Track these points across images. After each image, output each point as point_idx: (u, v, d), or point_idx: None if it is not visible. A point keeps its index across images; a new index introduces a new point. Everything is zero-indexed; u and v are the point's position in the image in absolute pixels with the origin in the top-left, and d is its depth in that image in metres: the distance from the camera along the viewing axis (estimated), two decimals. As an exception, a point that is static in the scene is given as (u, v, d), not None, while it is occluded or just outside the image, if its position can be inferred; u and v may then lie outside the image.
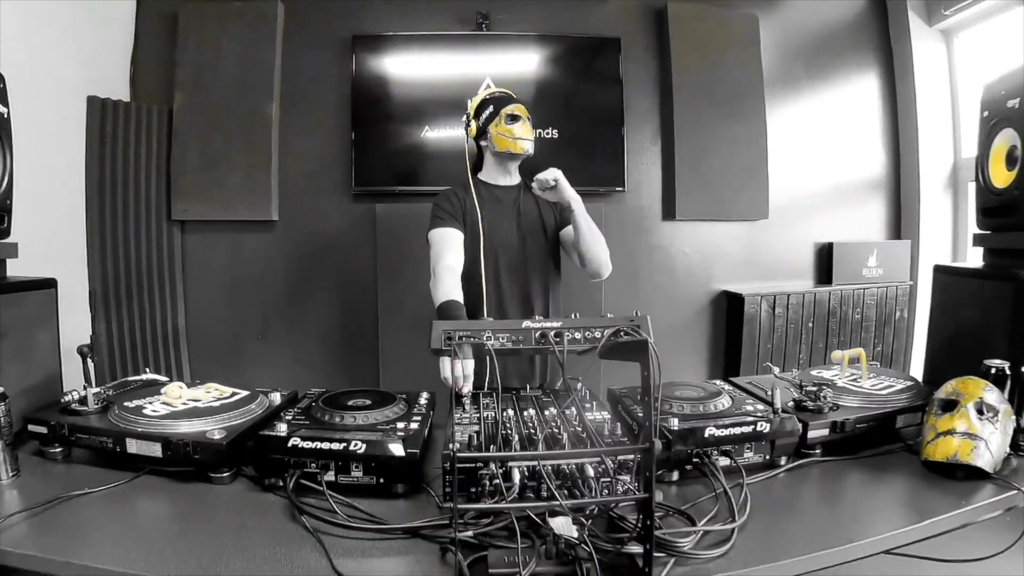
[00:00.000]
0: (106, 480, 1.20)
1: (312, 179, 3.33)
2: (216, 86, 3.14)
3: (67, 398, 1.33)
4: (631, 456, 1.00)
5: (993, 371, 1.39)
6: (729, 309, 3.54)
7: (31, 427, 1.30)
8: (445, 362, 1.55)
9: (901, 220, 3.81)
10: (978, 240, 1.81)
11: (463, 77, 3.24)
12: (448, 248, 1.98)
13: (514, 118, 2.07)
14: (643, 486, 0.84)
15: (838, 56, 3.72)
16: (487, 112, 2.07)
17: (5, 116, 1.42)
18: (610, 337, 0.89)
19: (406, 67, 3.27)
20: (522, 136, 2.07)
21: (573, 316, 0.98)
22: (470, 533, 0.90)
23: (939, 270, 1.85)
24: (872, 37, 3.77)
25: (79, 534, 1.02)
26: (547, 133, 3.28)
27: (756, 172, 3.46)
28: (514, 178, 2.18)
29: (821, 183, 3.72)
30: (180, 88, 3.15)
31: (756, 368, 3.36)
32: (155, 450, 1.19)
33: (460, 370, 1.47)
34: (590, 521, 0.93)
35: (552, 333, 0.91)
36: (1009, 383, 1.39)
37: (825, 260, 3.68)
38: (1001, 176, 1.69)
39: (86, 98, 2.91)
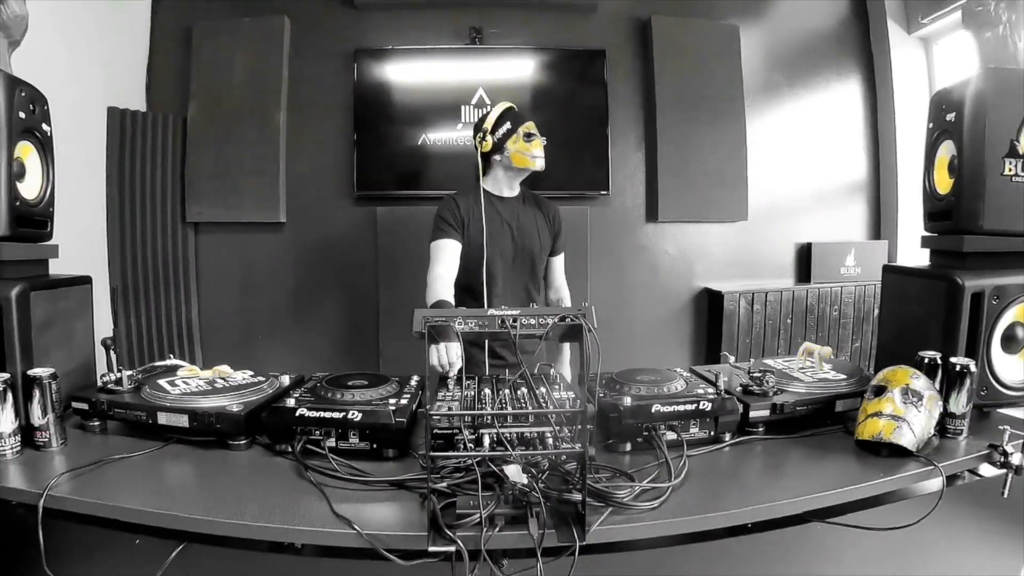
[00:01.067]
0: (140, 448, 1.40)
1: (317, 184, 3.53)
2: (228, 96, 3.35)
3: (105, 379, 1.54)
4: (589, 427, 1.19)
5: (926, 361, 1.51)
6: (710, 306, 3.72)
7: (74, 404, 1.51)
8: (432, 350, 1.71)
9: (880, 221, 3.96)
10: (925, 242, 1.89)
11: (458, 86, 3.44)
12: (441, 259, 2.11)
13: (531, 136, 2.18)
14: (580, 443, 1.03)
15: (819, 63, 3.87)
16: (504, 128, 2.16)
17: (48, 135, 1.62)
18: (556, 323, 1.08)
19: (404, 78, 3.48)
20: (538, 154, 2.20)
21: (531, 306, 1.17)
22: (444, 484, 1.09)
23: (888, 269, 1.93)
24: (853, 44, 3.91)
25: (121, 488, 1.22)
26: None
27: (736, 176, 3.64)
28: (515, 190, 2.30)
29: (802, 185, 3.87)
30: (194, 98, 3.36)
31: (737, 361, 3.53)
32: (182, 421, 1.40)
33: (446, 356, 1.66)
34: (544, 475, 1.12)
35: (511, 319, 1.10)
36: (940, 373, 1.50)
37: (804, 259, 3.84)
38: (944, 183, 1.77)
39: (106, 109, 3.10)
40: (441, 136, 3.45)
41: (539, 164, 2.21)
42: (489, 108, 2.32)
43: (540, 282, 2.36)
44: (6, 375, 1.36)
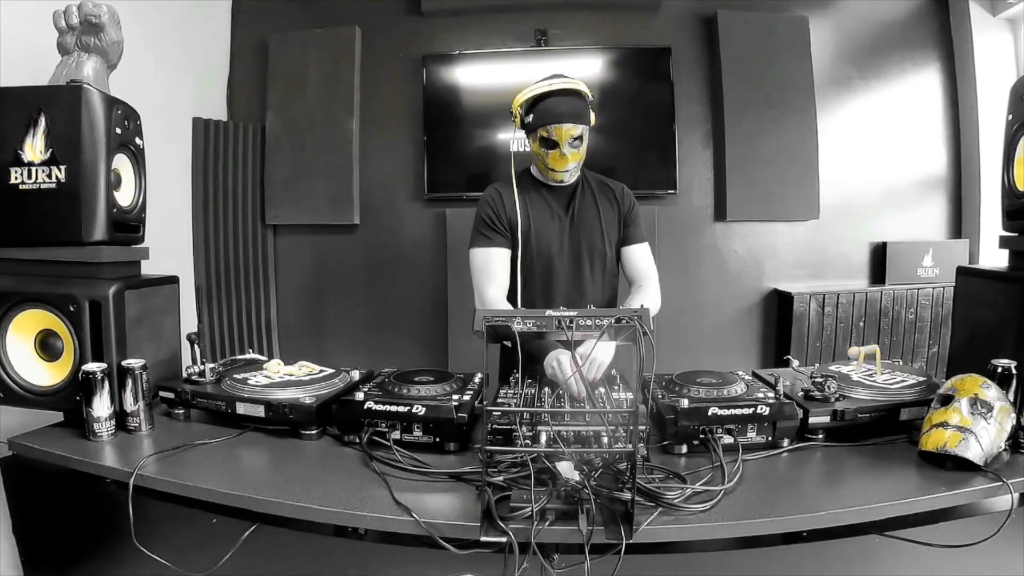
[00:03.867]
0: (219, 435, 1.51)
1: (389, 187, 3.64)
2: (302, 104, 3.49)
3: (189, 371, 1.67)
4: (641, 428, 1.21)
5: (999, 370, 1.44)
6: (779, 307, 3.62)
7: (161, 393, 1.65)
8: (559, 362, 1.61)
9: (961, 219, 3.76)
10: (1004, 242, 1.80)
11: (524, 87, 3.46)
12: (490, 278, 1.85)
13: (550, 144, 1.81)
14: (631, 442, 1.06)
15: (893, 52, 3.69)
16: (529, 119, 1.82)
17: (141, 147, 1.76)
18: (611, 324, 1.11)
19: (472, 81, 3.54)
20: (555, 168, 1.84)
21: (588, 307, 1.20)
22: (500, 478, 1.13)
23: (961, 271, 1.87)
24: (930, 31, 3.70)
25: (202, 470, 1.33)
26: (602, 140, 3.45)
27: (807, 173, 3.52)
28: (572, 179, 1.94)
29: (877, 182, 3.71)
30: (271, 108, 3.53)
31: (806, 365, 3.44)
32: (259, 411, 1.51)
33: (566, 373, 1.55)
34: (597, 473, 1.15)
35: (567, 320, 1.14)
36: (1014, 383, 1.42)
37: (879, 260, 3.69)
38: None
39: (192, 119, 3.29)
40: (509, 137, 3.48)
41: (558, 178, 1.87)
42: (546, 78, 1.85)
43: (609, 283, 2.04)
44: (103, 365, 1.50)
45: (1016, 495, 1.24)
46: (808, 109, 3.52)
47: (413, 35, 3.59)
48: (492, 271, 1.85)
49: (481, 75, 3.54)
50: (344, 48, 3.50)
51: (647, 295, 1.97)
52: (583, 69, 3.51)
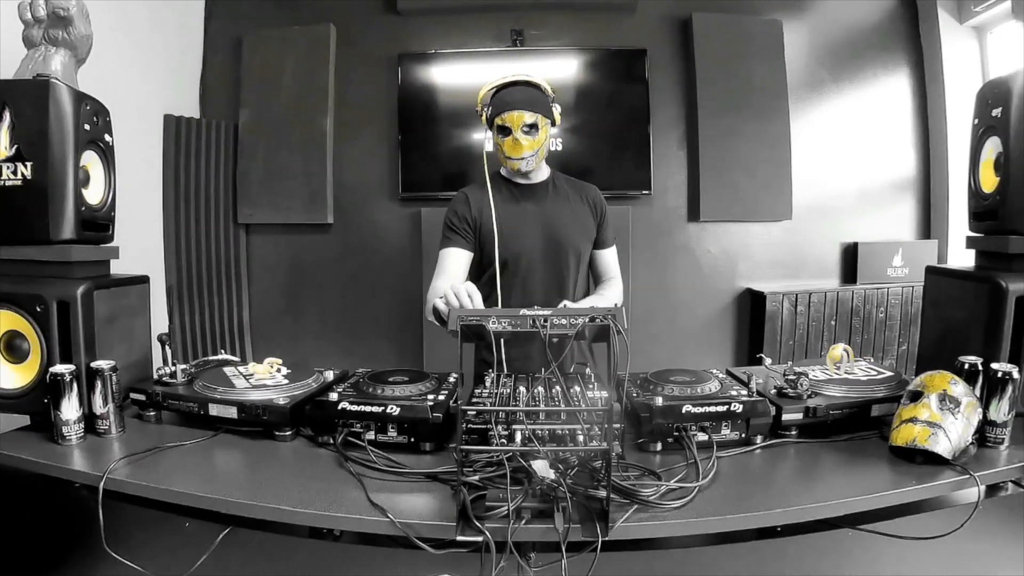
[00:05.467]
0: (192, 436, 1.48)
1: (364, 186, 3.64)
2: (276, 102, 3.48)
3: (160, 372, 1.64)
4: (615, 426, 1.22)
5: (966, 367, 1.47)
6: (753, 306, 3.68)
7: (132, 395, 1.62)
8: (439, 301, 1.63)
9: (930, 220, 3.86)
10: (970, 243, 1.84)
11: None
12: (441, 272, 1.91)
13: (504, 131, 1.87)
14: (606, 440, 1.06)
15: (865, 56, 3.79)
16: (487, 112, 1.90)
17: (110, 144, 1.73)
18: (585, 323, 1.11)
19: (448, 81, 3.54)
20: (510, 155, 1.89)
21: (562, 306, 1.21)
22: (476, 477, 1.13)
23: (930, 271, 1.90)
24: (901, 36, 3.81)
25: (173, 473, 1.31)
26: (577, 140, 3.49)
27: (780, 174, 3.60)
28: (541, 174, 2.01)
29: (849, 184, 3.80)
30: (245, 106, 3.50)
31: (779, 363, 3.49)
32: (231, 413, 1.48)
33: (465, 299, 1.52)
34: (572, 471, 1.15)
35: (542, 319, 1.14)
36: (981, 379, 1.46)
37: (850, 260, 3.77)
38: (989, 181, 1.72)
39: (163, 116, 3.25)
40: (483, 137, 3.47)
41: (515, 165, 1.91)
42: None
43: (582, 281, 2.06)
44: (72, 367, 1.46)
45: (983, 488, 1.27)
46: (781, 111, 3.59)
47: (389, 34, 3.58)
48: (444, 268, 1.92)
49: (457, 75, 3.55)
50: (319, 46, 3.49)
51: (614, 289, 2.05)
52: (559, 70, 3.54)
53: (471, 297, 1.53)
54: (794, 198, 3.62)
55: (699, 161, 3.57)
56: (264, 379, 1.63)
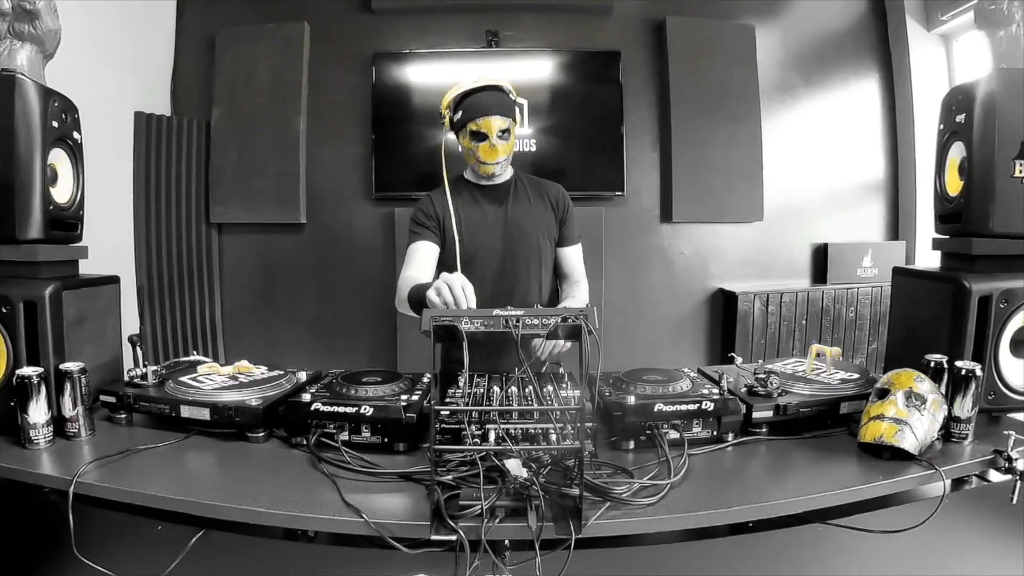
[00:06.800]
0: (163, 439, 1.47)
1: (337, 185, 3.61)
2: (249, 100, 3.44)
3: (131, 374, 1.62)
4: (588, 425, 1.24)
5: (932, 365, 1.50)
6: (725, 306, 3.73)
7: (102, 397, 1.59)
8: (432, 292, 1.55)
9: (898, 222, 3.94)
10: (936, 244, 1.87)
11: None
12: (411, 263, 1.92)
13: (479, 136, 1.88)
14: (578, 439, 1.07)
15: (836, 62, 3.86)
16: (457, 116, 1.89)
17: (79, 142, 1.70)
18: (558, 323, 1.12)
19: (422, 81, 3.53)
20: (485, 160, 1.90)
21: (535, 307, 1.22)
22: (450, 477, 1.14)
23: (897, 272, 1.91)
24: (870, 43, 3.89)
25: (146, 476, 1.29)
26: (551, 141, 3.50)
27: (751, 176, 3.65)
28: (505, 174, 2.03)
29: (819, 186, 3.87)
30: (217, 103, 3.46)
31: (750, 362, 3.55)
32: (204, 414, 1.47)
33: (455, 293, 1.48)
34: (546, 470, 1.16)
35: (514, 320, 1.15)
36: (946, 376, 1.49)
37: (821, 260, 3.84)
38: (954, 185, 1.75)
39: (133, 113, 3.20)
40: (452, 134, 3.47)
41: (487, 171, 1.93)
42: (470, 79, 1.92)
43: (546, 279, 2.07)
44: (39, 369, 1.43)
45: (948, 482, 1.31)
46: (753, 114, 3.64)
47: (363, 33, 3.57)
48: (413, 261, 1.94)
49: (431, 74, 3.54)
50: (293, 44, 3.46)
51: (582, 290, 2.05)
52: (533, 71, 3.55)
53: (464, 290, 1.50)
54: (765, 200, 3.68)
55: (672, 163, 3.60)
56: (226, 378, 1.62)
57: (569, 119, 3.53)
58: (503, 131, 1.89)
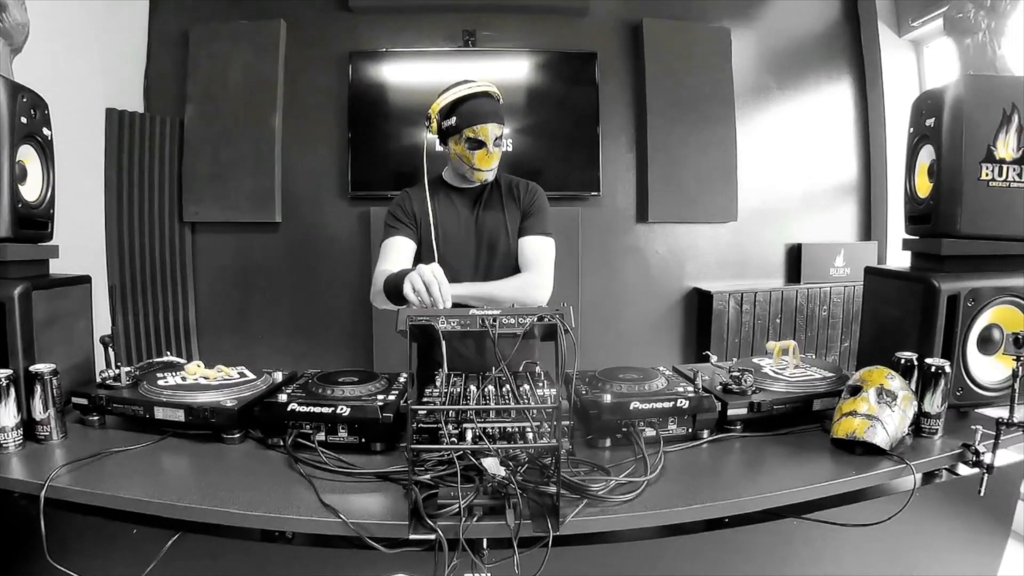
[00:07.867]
0: (137, 441, 1.45)
1: (312, 184, 3.58)
2: (224, 98, 3.40)
3: (104, 375, 1.59)
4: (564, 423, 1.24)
5: (902, 362, 1.54)
6: (700, 305, 3.77)
7: (74, 399, 1.56)
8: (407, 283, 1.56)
9: (871, 222, 4.01)
10: (906, 245, 1.91)
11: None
12: (387, 257, 1.91)
13: (476, 144, 1.87)
14: (555, 437, 1.08)
15: (810, 65, 3.92)
16: (450, 122, 1.86)
17: (49, 138, 1.67)
18: (534, 322, 1.13)
19: (399, 80, 3.52)
20: (480, 167, 1.89)
21: (511, 306, 1.22)
22: (427, 476, 1.14)
23: (869, 271, 1.95)
24: (843, 47, 3.96)
25: (119, 479, 1.27)
26: (527, 141, 3.52)
27: (726, 177, 3.69)
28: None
29: (793, 187, 3.92)
30: (191, 100, 3.41)
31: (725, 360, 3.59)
32: (178, 416, 1.45)
33: (431, 291, 1.50)
34: (523, 468, 1.17)
35: (491, 319, 1.15)
36: (916, 373, 1.53)
37: (794, 260, 3.89)
38: (924, 187, 1.79)
39: (105, 110, 3.14)
40: (434, 137, 3.47)
41: (482, 177, 1.93)
42: (459, 83, 1.89)
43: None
44: (9, 371, 1.40)
45: (918, 476, 1.34)
46: (728, 116, 3.69)
47: (340, 31, 3.54)
48: (389, 255, 1.92)
49: (408, 73, 3.53)
50: (269, 42, 3.43)
51: (523, 278, 1.93)
52: (510, 71, 3.56)
53: (441, 289, 1.50)
54: (740, 200, 3.72)
55: (648, 163, 3.63)
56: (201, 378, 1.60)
57: (545, 119, 3.54)
58: (498, 138, 1.90)
